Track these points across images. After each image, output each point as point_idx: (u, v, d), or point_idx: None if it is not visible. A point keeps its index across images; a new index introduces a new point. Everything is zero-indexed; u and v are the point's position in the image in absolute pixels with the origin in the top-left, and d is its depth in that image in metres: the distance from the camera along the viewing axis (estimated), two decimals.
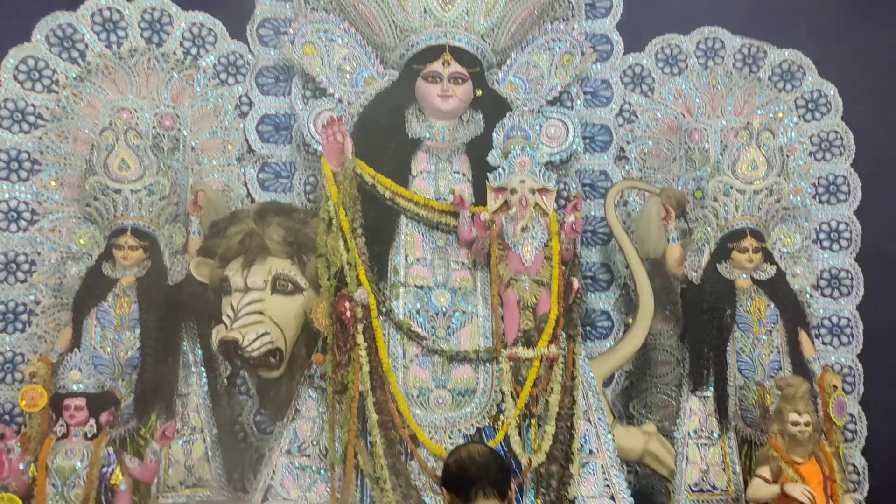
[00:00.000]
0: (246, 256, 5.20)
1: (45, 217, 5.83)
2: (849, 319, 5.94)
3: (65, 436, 4.93)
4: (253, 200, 6.02)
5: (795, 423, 4.96)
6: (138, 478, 5.02)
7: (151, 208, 5.61)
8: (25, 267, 5.77)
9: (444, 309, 5.19)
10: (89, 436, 4.94)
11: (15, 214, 5.82)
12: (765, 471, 5.01)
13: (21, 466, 4.86)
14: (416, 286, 5.21)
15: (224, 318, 5.12)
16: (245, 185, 6.06)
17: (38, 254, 5.78)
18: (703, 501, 5.44)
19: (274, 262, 5.23)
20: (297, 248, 5.25)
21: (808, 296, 5.83)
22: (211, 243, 5.48)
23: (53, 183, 5.87)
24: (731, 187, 5.63)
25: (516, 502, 4.99)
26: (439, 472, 4.84)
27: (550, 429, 4.97)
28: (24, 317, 5.72)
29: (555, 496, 4.92)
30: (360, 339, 4.91)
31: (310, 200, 5.98)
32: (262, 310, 5.11)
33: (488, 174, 5.31)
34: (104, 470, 4.89)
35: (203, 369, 5.73)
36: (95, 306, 5.50)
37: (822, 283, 5.98)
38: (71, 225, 5.77)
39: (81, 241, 5.65)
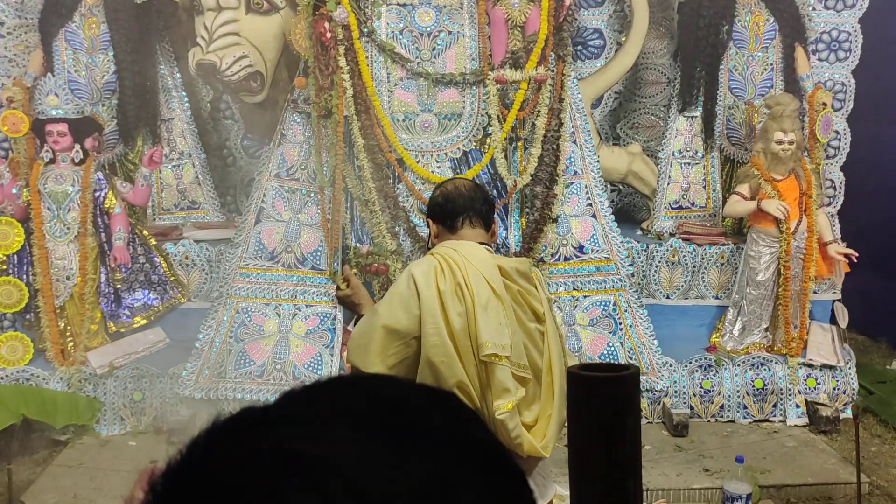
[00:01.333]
0: None
1: None
2: (849, 33, 5.71)
3: (52, 161, 4.97)
4: None
5: (780, 142, 4.99)
6: (131, 201, 5.13)
7: None
8: None
9: (429, 28, 4.95)
10: (77, 161, 4.97)
11: None
12: (743, 188, 5.14)
13: (14, 191, 4.95)
14: (399, 4, 4.92)
15: (199, 39, 4.92)
16: None
17: None
18: (681, 217, 5.64)
19: None
20: None
21: (810, 8, 5.55)
22: None
23: None
24: None
25: (501, 222, 5.17)
26: (426, 195, 5.00)
27: (536, 151, 4.99)
28: None
29: (538, 215, 5.07)
30: (341, 61, 4.73)
31: None
32: (237, 31, 4.89)
33: None
34: (97, 194, 4.99)
35: (184, 93, 5.63)
36: (63, 27, 5.27)
37: None
38: None
39: None
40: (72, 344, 4.99)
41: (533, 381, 2.41)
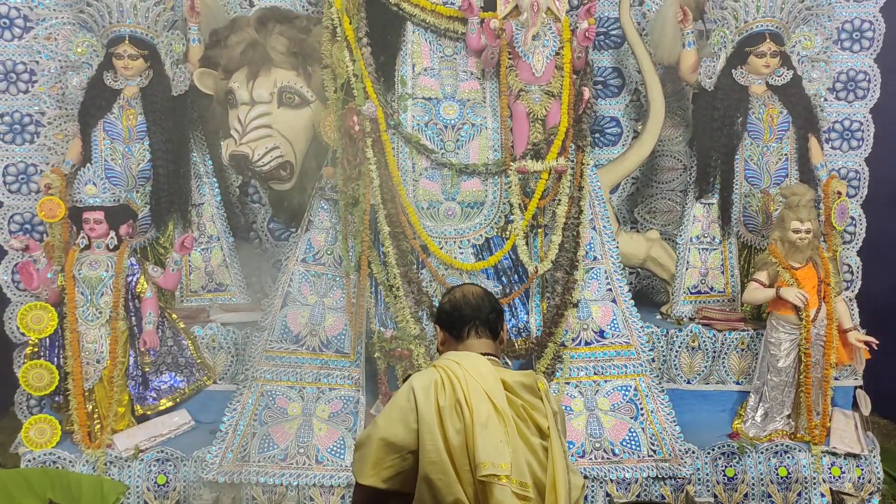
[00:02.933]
0: (250, 68, 5.10)
1: (40, 24, 5.63)
2: (860, 123, 5.87)
3: (87, 247, 5.12)
4: (252, 5, 5.80)
5: (797, 231, 5.08)
6: (162, 285, 5.26)
7: (147, 14, 5.44)
8: (25, 77, 5.67)
9: (453, 121, 5.14)
10: (111, 247, 5.12)
11: (7, 21, 5.62)
12: (762, 275, 5.21)
13: (49, 276, 5.09)
14: (424, 98, 5.12)
15: (232, 131, 5.12)
16: None
17: (37, 62, 5.65)
18: (700, 302, 5.71)
19: (279, 74, 5.14)
20: (302, 59, 5.13)
21: (822, 99, 5.72)
22: (212, 53, 5.35)
23: None
24: None
25: (522, 307, 5.25)
26: (449, 280, 5.11)
27: (557, 238, 5.10)
28: (31, 128, 5.70)
29: (559, 300, 5.15)
30: (369, 153, 4.91)
31: (311, 4, 5.74)
32: (270, 123, 5.09)
33: None
34: (129, 279, 5.13)
35: (215, 179, 5.83)
36: (102, 118, 5.51)
37: (839, 85, 5.84)
38: (66, 32, 5.59)
39: (79, 50, 5.53)
40: (98, 426, 5.05)
41: (536, 499, 2.34)
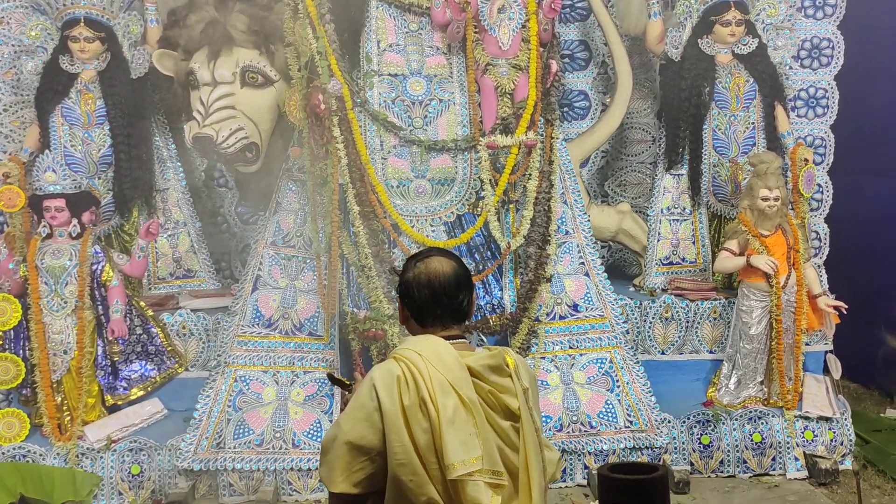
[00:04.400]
0: (210, 48, 4.98)
1: None
2: (825, 90, 5.90)
3: (49, 236, 5.00)
4: None
5: (765, 199, 5.10)
6: (128, 273, 5.16)
7: None
8: None
9: (421, 97, 5.07)
10: (74, 235, 5.01)
11: None
12: (732, 244, 5.24)
13: (11, 266, 4.97)
14: (390, 74, 5.05)
15: (195, 113, 5.01)
16: None
17: None
18: (672, 273, 5.73)
19: (241, 53, 5.03)
20: (264, 38, 5.03)
21: (787, 68, 5.74)
22: (171, 33, 5.23)
23: None
24: None
25: (496, 283, 5.23)
26: None
27: (528, 213, 5.08)
28: None
29: (532, 275, 5.14)
30: (336, 132, 4.83)
31: None
32: (233, 104, 4.99)
33: None
34: (94, 267, 5.02)
35: (179, 164, 5.71)
36: (59, 104, 5.36)
37: (803, 53, 5.86)
38: (19, 16, 5.42)
39: (33, 33, 5.37)
40: (69, 418, 4.96)
41: (509, 482, 2.24)
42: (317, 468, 4.75)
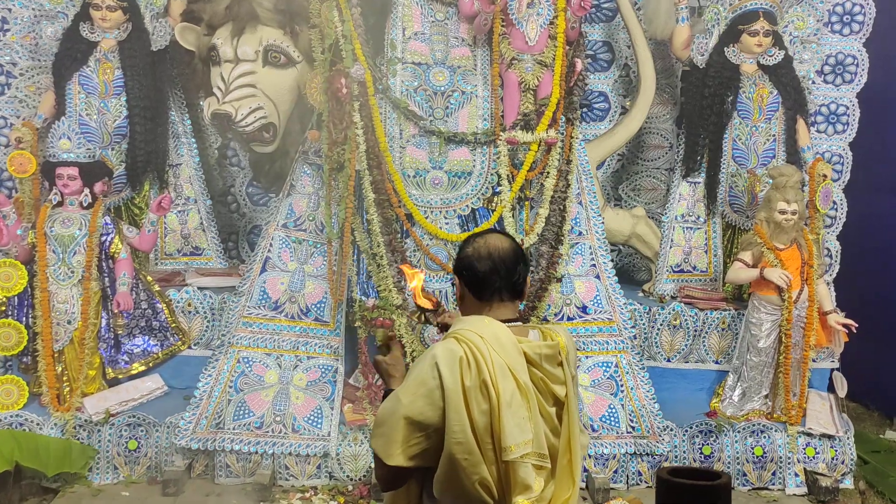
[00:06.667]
0: (235, 24, 4.93)
1: None
2: (847, 107, 5.87)
3: (60, 204, 4.95)
4: None
5: (783, 212, 5.07)
6: (137, 247, 5.11)
7: None
8: None
9: (443, 88, 5.03)
10: (85, 205, 4.95)
11: None
12: (746, 255, 5.20)
13: (19, 232, 4.92)
14: (414, 63, 5.00)
15: (215, 89, 4.96)
16: None
17: (9, 10, 5.42)
18: (682, 281, 5.70)
19: (265, 32, 4.98)
20: (289, 17, 4.97)
21: (810, 82, 5.71)
22: (195, 7, 5.17)
23: None
24: None
25: None
26: (434, 250, 5.03)
27: (544, 211, 5.04)
28: (1, 79, 5.47)
29: (543, 274, 5.10)
30: (356, 117, 4.79)
31: None
32: (254, 83, 4.93)
33: None
34: (103, 238, 4.96)
35: (193, 140, 5.66)
36: (77, 71, 5.31)
37: (827, 68, 5.83)
38: None
39: None
40: (68, 389, 4.91)
41: (549, 468, 2.31)
42: (315, 454, 4.77)
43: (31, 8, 5.40)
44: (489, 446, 2.22)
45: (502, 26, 4.92)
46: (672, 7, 5.53)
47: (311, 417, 4.89)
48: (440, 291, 4.97)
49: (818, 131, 5.84)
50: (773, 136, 5.61)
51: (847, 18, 5.81)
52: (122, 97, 5.34)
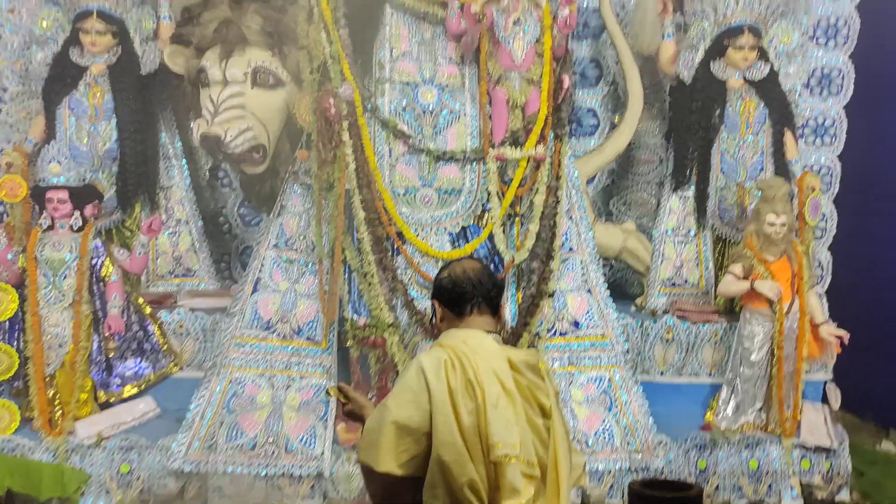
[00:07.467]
0: (223, 46, 4.95)
1: None
2: (834, 119, 5.90)
3: (50, 228, 4.95)
4: None
5: (772, 224, 5.09)
6: (128, 269, 5.11)
7: None
8: None
9: (431, 106, 5.06)
10: (75, 228, 4.96)
11: None
12: (737, 268, 5.22)
13: (9, 256, 4.92)
14: (403, 82, 5.03)
15: (204, 111, 4.97)
16: None
17: (0, 37, 5.45)
18: (674, 294, 5.71)
19: (253, 53, 5.00)
20: (277, 39, 5.00)
21: (797, 95, 5.75)
22: (184, 31, 5.19)
23: None
24: None
25: None
26: (425, 268, 5.03)
27: (534, 227, 5.05)
28: None
29: (535, 290, 5.10)
30: (345, 136, 4.81)
31: None
32: (243, 104, 4.94)
33: None
34: (94, 262, 4.97)
35: (184, 162, 5.68)
36: (67, 95, 5.34)
37: (813, 81, 5.87)
38: (31, 6, 5.41)
39: (44, 24, 5.37)
40: (60, 413, 4.88)
41: (539, 479, 2.34)
42: (309, 475, 4.74)
43: (20, 34, 5.44)
44: (477, 447, 2.25)
45: (489, 44, 4.96)
46: (657, 23, 5.59)
47: (305, 437, 4.87)
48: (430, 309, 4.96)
49: (806, 144, 5.88)
50: (761, 149, 5.64)
51: (832, 32, 5.86)
52: (111, 120, 5.37)
